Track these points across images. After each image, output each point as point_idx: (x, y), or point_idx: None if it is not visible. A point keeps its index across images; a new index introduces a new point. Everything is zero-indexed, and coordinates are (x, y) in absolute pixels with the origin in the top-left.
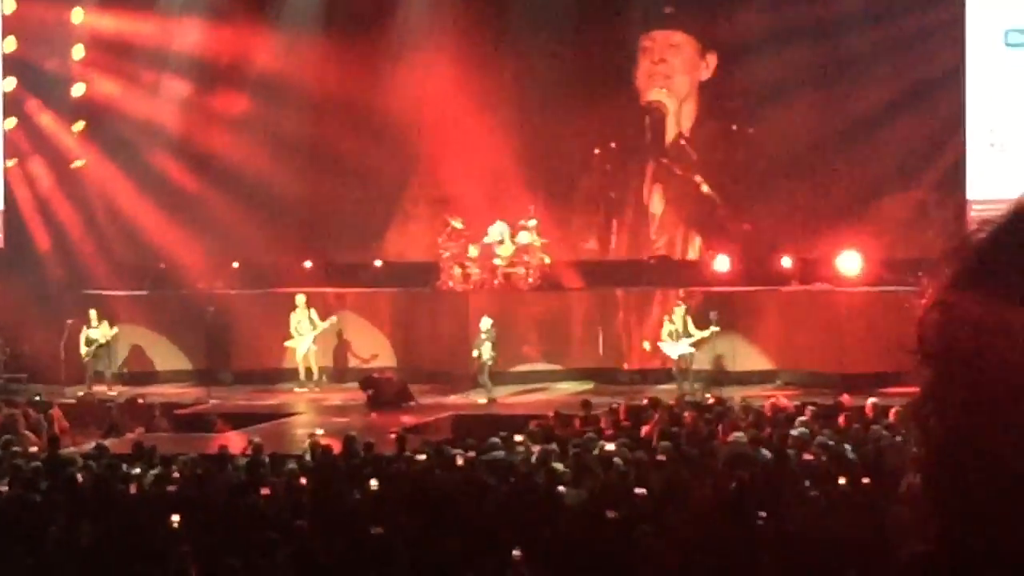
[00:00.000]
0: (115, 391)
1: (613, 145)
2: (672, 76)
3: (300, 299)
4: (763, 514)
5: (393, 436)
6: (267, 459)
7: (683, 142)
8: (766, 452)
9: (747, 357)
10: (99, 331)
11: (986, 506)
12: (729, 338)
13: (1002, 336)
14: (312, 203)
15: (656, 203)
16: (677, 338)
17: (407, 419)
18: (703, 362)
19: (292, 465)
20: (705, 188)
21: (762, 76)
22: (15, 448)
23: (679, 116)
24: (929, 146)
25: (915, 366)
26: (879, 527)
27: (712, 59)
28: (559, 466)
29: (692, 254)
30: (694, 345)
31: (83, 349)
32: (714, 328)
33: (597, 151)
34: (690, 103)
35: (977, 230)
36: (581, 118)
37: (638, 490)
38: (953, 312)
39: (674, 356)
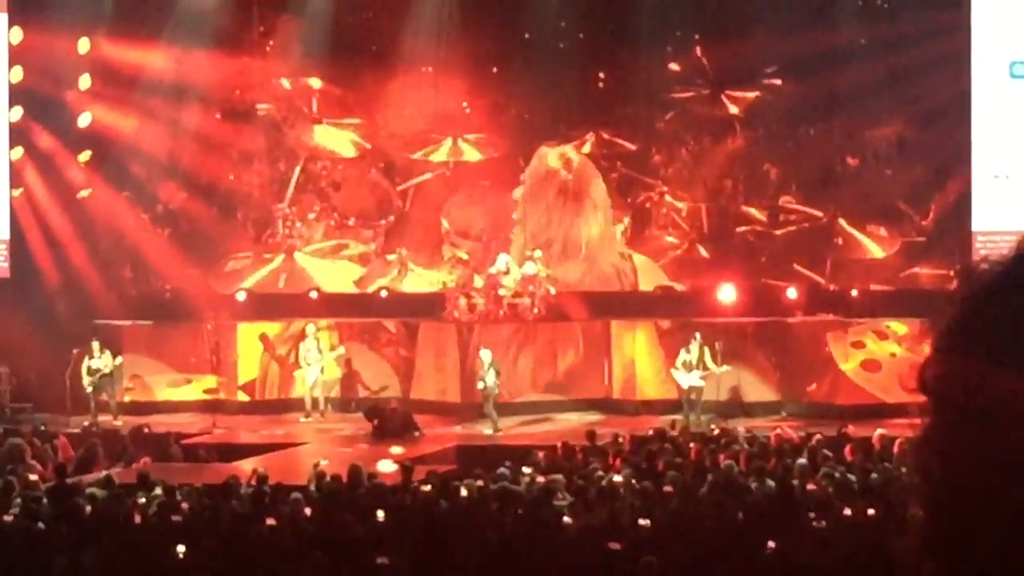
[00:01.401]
0: (120, 421)
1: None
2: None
3: (309, 329)
4: (772, 545)
5: (391, 466)
6: (272, 489)
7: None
8: (770, 483)
9: (752, 388)
10: (101, 361)
11: (984, 544)
12: (735, 369)
13: (1004, 380)
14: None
15: (657, 232)
16: (690, 369)
17: (412, 449)
18: (717, 393)
19: (297, 495)
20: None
21: (766, 107)
22: (19, 477)
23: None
24: (935, 177)
25: (918, 405)
26: (884, 558)
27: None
28: (564, 497)
29: (696, 284)
30: (703, 378)
31: (85, 379)
32: (726, 368)
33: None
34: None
35: (980, 268)
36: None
37: (642, 521)
38: (955, 354)
39: (684, 385)
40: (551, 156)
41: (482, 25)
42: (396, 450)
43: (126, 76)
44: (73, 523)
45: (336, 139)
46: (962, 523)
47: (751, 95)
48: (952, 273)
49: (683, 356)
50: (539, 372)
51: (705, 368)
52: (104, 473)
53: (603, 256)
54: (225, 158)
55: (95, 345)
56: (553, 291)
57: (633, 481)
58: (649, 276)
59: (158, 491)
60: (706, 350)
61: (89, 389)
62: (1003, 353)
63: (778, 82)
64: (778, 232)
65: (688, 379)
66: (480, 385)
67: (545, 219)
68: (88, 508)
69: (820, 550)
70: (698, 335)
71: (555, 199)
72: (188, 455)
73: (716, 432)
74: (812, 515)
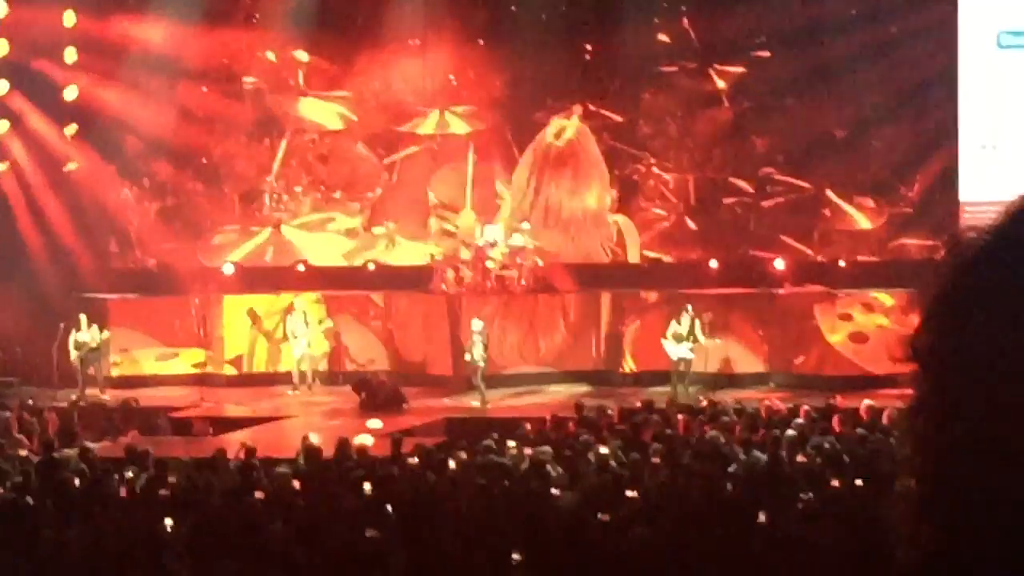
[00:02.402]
0: (107, 394)
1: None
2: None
3: (296, 302)
4: (763, 517)
5: (368, 439)
6: (260, 462)
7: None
8: (758, 454)
9: (740, 360)
10: (88, 335)
11: (978, 512)
12: (723, 341)
13: (996, 345)
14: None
15: (645, 204)
16: (680, 341)
17: (399, 422)
18: (706, 365)
19: (285, 468)
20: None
21: (754, 79)
22: (7, 452)
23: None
24: (922, 148)
25: (910, 373)
26: (873, 529)
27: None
28: (553, 469)
29: (684, 256)
30: (693, 350)
31: (72, 353)
32: (717, 341)
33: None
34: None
35: (968, 236)
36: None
37: (630, 493)
38: (945, 321)
39: (673, 357)
40: (550, 126)
41: None
42: (374, 423)
43: (112, 49)
44: (60, 497)
45: (323, 112)
46: (957, 489)
47: (738, 67)
48: (940, 244)
49: (673, 327)
50: (527, 344)
51: (695, 340)
52: (77, 448)
53: (589, 229)
54: (211, 131)
55: (82, 319)
56: (541, 263)
57: (620, 453)
58: (632, 244)
59: (146, 465)
60: (696, 322)
61: (76, 363)
62: (993, 319)
63: (765, 54)
64: (765, 204)
65: (678, 351)
66: (468, 357)
67: (527, 187)
68: (76, 482)
69: (808, 521)
70: (689, 307)
71: (540, 167)
72: (177, 428)
73: (704, 404)
74: (801, 486)
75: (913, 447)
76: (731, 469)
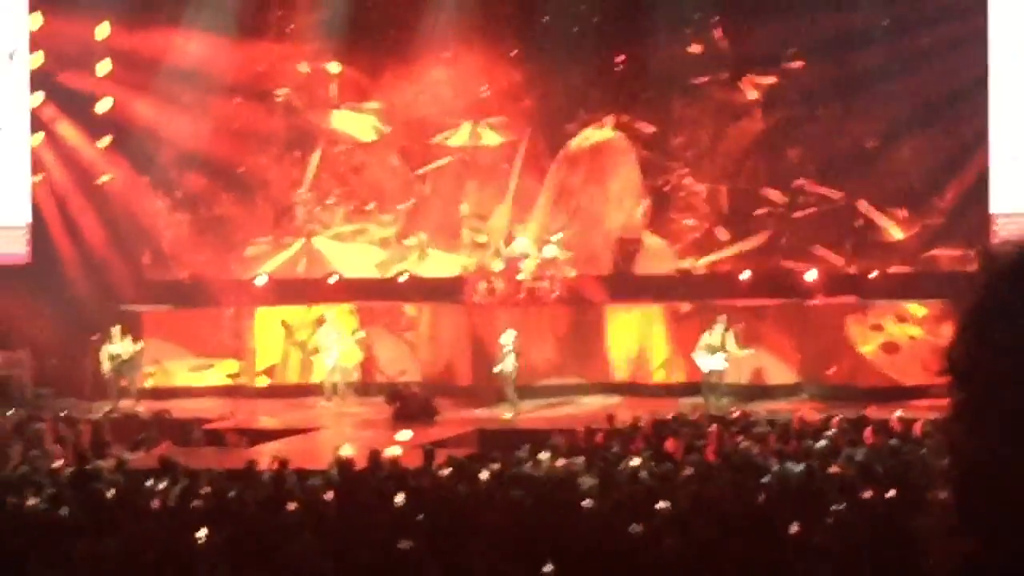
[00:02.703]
0: (141, 406)
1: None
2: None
3: (327, 314)
4: (795, 528)
5: (396, 451)
6: (292, 474)
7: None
8: (791, 465)
9: (772, 371)
10: (121, 347)
11: (1013, 522)
12: (755, 352)
13: None
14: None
15: (676, 215)
16: (713, 352)
17: (432, 433)
18: (741, 376)
19: (318, 480)
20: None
21: (787, 89)
22: (42, 463)
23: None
24: (953, 159)
25: (945, 384)
26: (905, 541)
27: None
28: (585, 480)
29: (716, 267)
30: (726, 361)
31: (104, 365)
32: (748, 350)
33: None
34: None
35: (1002, 248)
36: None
37: (661, 504)
38: (982, 333)
39: (706, 369)
40: (581, 133)
41: (500, 9)
42: (402, 435)
43: (145, 61)
44: (94, 509)
45: (355, 124)
46: (992, 499)
47: (771, 78)
48: (972, 254)
49: (706, 339)
50: (558, 355)
51: (727, 351)
52: (110, 459)
53: (593, 231)
54: (244, 143)
55: (115, 330)
56: (573, 274)
57: (652, 464)
58: (664, 260)
59: (178, 476)
60: (728, 333)
61: (109, 375)
62: None
63: (798, 64)
64: (797, 215)
65: (710, 362)
66: (499, 369)
67: (554, 193)
68: (110, 493)
69: (840, 532)
70: (722, 318)
71: (561, 168)
72: (211, 440)
73: (736, 415)
74: (833, 497)
75: (949, 458)
76: (764, 480)
